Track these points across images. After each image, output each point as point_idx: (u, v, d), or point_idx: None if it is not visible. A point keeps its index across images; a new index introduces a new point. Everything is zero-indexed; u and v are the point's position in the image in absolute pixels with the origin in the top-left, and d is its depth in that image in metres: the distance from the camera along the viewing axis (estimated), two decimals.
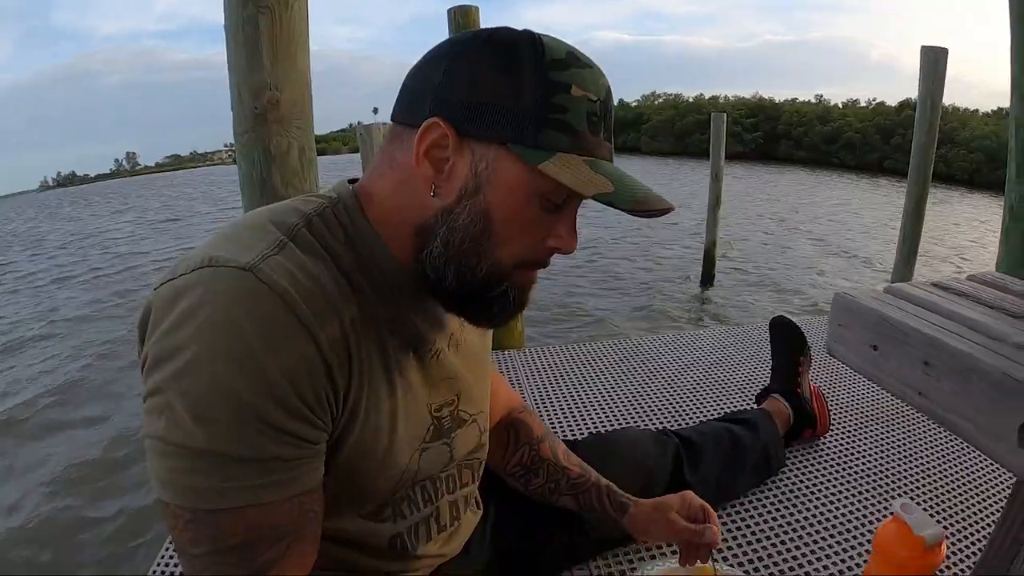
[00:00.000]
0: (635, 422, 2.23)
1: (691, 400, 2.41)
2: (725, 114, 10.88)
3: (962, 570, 1.54)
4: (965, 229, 19.11)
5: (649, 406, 2.35)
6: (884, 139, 52.31)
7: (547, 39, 0.79)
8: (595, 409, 2.31)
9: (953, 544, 1.64)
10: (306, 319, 0.74)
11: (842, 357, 1.19)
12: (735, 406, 2.35)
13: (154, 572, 1.49)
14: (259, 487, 0.74)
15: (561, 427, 2.19)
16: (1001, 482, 1.94)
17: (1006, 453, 0.88)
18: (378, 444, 0.88)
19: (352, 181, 0.92)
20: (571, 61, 0.78)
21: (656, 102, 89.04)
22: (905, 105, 52.65)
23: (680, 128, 73.44)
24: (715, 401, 2.41)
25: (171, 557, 1.52)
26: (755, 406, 2.08)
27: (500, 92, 0.77)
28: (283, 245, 0.77)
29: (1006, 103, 4.12)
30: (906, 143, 6.78)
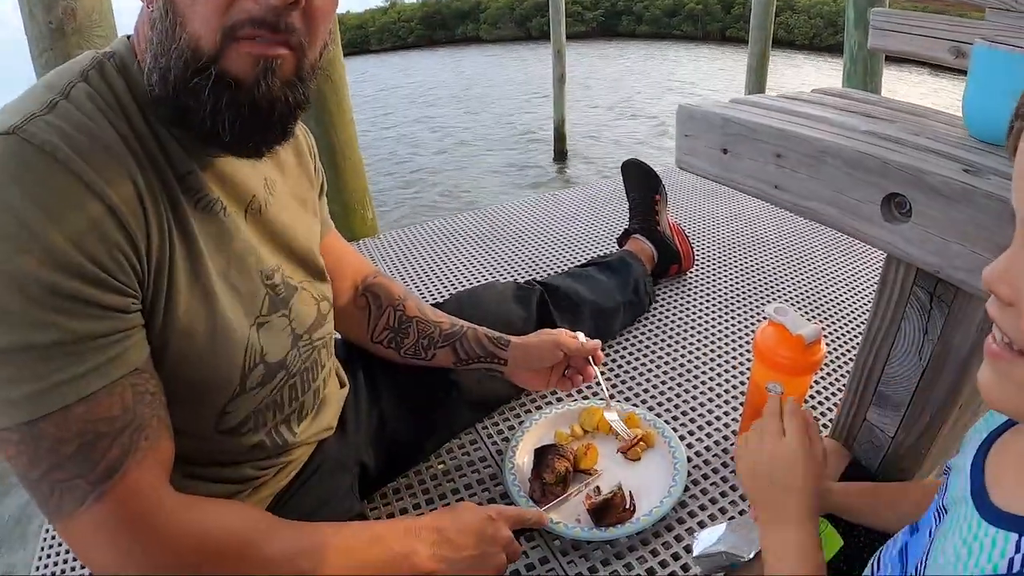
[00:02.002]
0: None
1: (554, 255, 2.38)
2: None
3: (846, 365, 1.61)
4: (808, 81, 19.70)
5: (512, 267, 2.31)
6: (725, 9, 53.39)
7: None
8: (460, 279, 2.24)
9: (834, 342, 1.71)
10: (85, 175, 0.65)
11: (693, 167, 1.16)
12: (599, 255, 2.33)
13: (37, 568, 1.36)
14: (80, 377, 0.66)
15: (427, 300, 2.10)
16: (869, 273, 2.04)
17: (872, 230, 0.87)
18: (199, 318, 0.80)
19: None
20: None
21: None
22: None
23: (520, 13, 72.66)
24: (578, 253, 2.38)
25: (48, 551, 1.36)
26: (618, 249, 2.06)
27: None
28: (54, 105, 0.68)
29: None
30: (747, 12, 6.92)
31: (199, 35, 0.69)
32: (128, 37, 0.80)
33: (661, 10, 60.88)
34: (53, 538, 1.34)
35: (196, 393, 0.82)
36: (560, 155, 11.47)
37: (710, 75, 23.04)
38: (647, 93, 19.62)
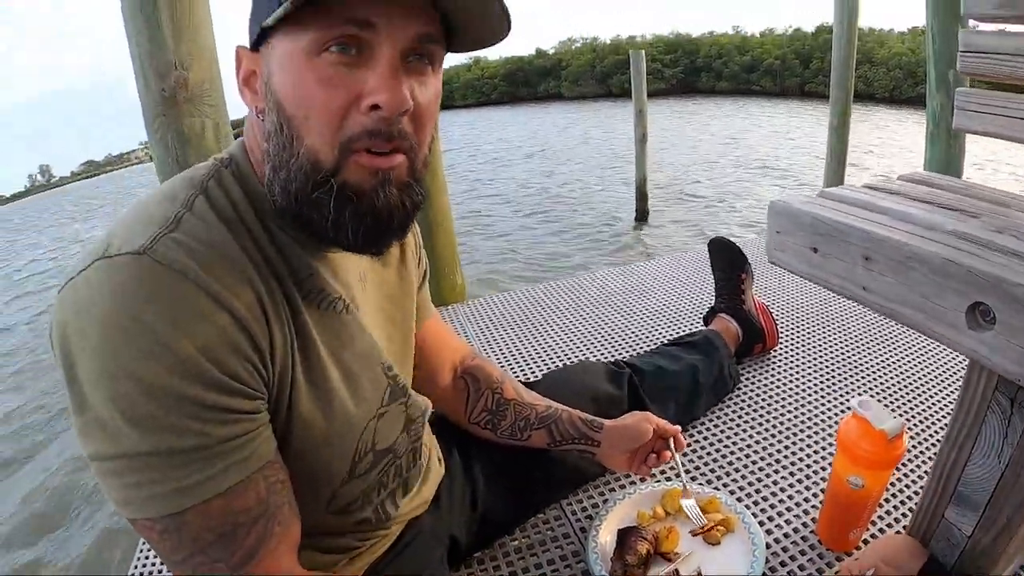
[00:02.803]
0: (587, 357, 2.22)
1: (639, 329, 2.42)
2: (643, 52, 10.87)
3: (929, 457, 1.58)
4: (890, 139, 19.32)
5: (599, 340, 2.35)
6: (803, 64, 53.03)
7: None
8: (546, 351, 2.30)
9: (917, 434, 1.68)
10: (214, 291, 0.70)
11: (784, 263, 1.18)
12: (684, 329, 2.36)
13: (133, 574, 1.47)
14: (217, 475, 0.71)
15: (516, 373, 2.17)
16: (956, 367, 2.00)
17: (956, 336, 0.88)
18: (317, 415, 0.85)
19: None
20: None
21: (574, 47, 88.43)
22: (822, 30, 52.99)
23: (601, 70, 73.20)
24: (663, 327, 2.42)
25: (147, 557, 1.48)
26: (703, 327, 2.09)
27: None
28: (179, 219, 0.73)
29: (918, 21, 4.25)
30: (825, 66, 6.89)
31: (317, 149, 0.73)
32: (242, 141, 0.86)
33: (740, 66, 60.66)
34: (148, 551, 1.46)
35: (309, 481, 0.88)
36: (642, 215, 11.50)
37: (794, 134, 22.72)
38: (731, 149, 19.50)
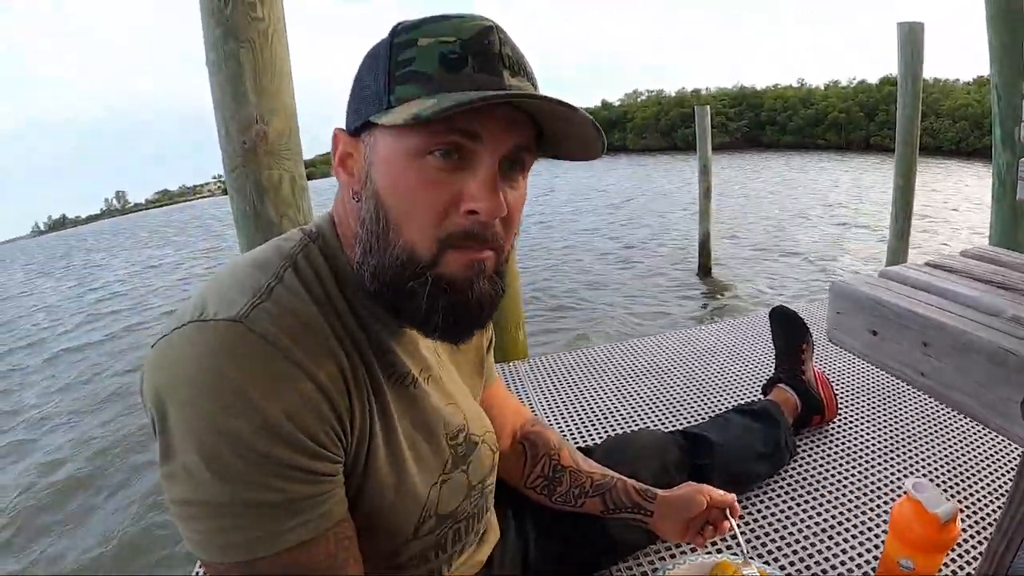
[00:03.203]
0: (644, 422, 2.24)
1: (698, 395, 2.43)
2: (708, 107, 10.89)
3: (979, 542, 1.56)
4: (962, 193, 18.91)
5: (657, 405, 2.36)
6: (868, 117, 52.59)
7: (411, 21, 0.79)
8: (604, 414, 2.32)
9: (968, 518, 1.65)
10: (300, 361, 0.74)
11: (843, 344, 1.20)
12: (743, 398, 2.37)
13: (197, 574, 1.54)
14: (292, 529, 0.75)
15: (572, 435, 2.20)
16: (1010, 453, 1.95)
17: (1009, 426, 0.89)
18: (388, 481, 0.89)
19: None
20: (424, 22, 0.77)
21: (639, 99, 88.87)
22: (886, 81, 52.80)
23: (665, 123, 73.46)
24: (723, 394, 2.43)
25: None
26: (762, 397, 2.09)
27: (365, 79, 0.81)
28: (271, 290, 0.78)
29: (984, 70, 4.16)
30: (890, 119, 6.78)
31: (415, 242, 0.78)
32: (330, 215, 0.91)
33: (804, 120, 60.40)
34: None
35: (373, 537, 0.91)
36: (705, 270, 11.46)
37: (861, 188, 22.41)
38: (795, 202, 19.48)
